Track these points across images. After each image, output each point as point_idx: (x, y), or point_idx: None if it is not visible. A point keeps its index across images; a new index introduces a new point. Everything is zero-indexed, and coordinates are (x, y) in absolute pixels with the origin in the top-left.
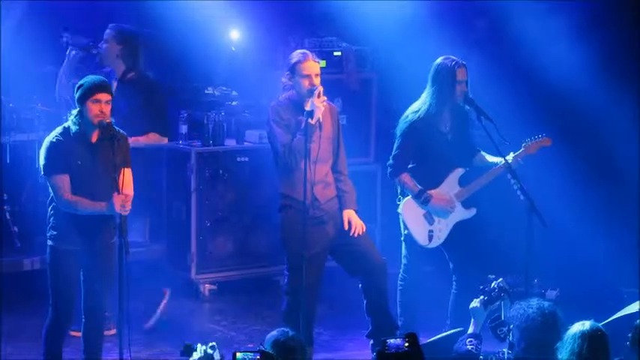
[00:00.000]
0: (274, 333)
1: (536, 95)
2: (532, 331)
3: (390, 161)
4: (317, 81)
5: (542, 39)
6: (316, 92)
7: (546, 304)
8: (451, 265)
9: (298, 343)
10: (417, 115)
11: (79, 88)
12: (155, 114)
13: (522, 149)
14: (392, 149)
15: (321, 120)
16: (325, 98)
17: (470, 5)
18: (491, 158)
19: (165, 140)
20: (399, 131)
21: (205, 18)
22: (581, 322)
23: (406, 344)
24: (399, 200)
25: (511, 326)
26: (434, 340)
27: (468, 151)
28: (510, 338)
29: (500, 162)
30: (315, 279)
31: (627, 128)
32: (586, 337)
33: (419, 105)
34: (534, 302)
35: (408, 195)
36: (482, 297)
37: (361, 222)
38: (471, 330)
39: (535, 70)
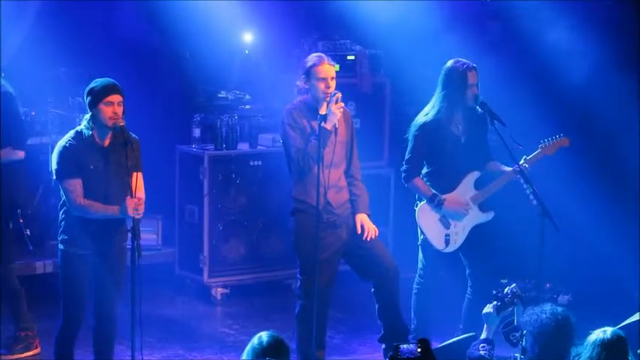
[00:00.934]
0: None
1: (548, 98)
2: (545, 336)
3: (404, 166)
4: (333, 84)
5: (555, 40)
6: (334, 98)
7: (559, 309)
8: (468, 271)
9: (270, 347)
10: (428, 119)
11: (89, 92)
12: (8, 126)
13: (539, 150)
14: (404, 154)
15: (336, 125)
16: (343, 105)
17: (483, 7)
18: (504, 168)
19: (21, 154)
20: (410, 135)
21: (218, 21)
22: (602, 329)
23: (419, 349)
24: (417, 205)
25: (524, 331)
26: (446, 345)
27: (483, 155)
28: (523, 343)
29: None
30: (327, 283)
31: None
32: (606, 345)
33: (429, 108)
34: (547, 307)
35: (423, 200)
36: (495, 302)
37: (374, 226)
38: (483, 335)
39: (548, 71)
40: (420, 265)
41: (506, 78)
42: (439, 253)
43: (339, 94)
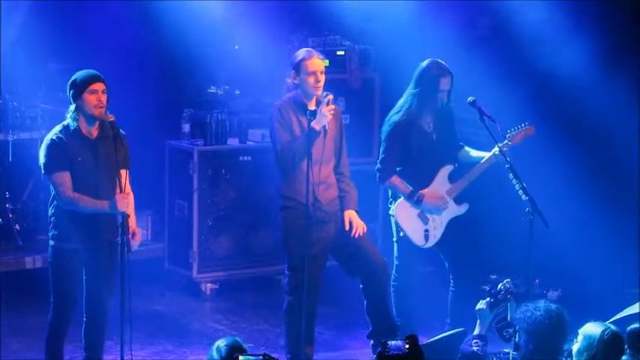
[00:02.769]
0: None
1: (539, 93)
2: (539, 333)
3: (378, 165)
4: (322, 78)
5: (546, 36)
6: (325, 100)
7: (554, 306)
8: (446, 264)
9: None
10: (400, 117)
11: (71, 84)
12: None
13: (506, 140)
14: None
15: (326, 127)
16: (334, 107)
17: (472, 3)
18: (475, 153)
19: None
20: (383, 134)
21: (209, 16)
22: (598, 323)
23: (406, 346)
24: (391, 203)
25: (517, 327)
26: (434, 341)
27: (453, 148)
28: (516, 339)
29: (484, 157)
30: (315, 278)
31: (632, 127)
32: (603, 340)
33: (401, 105)
34: (542, 304)
35: (399, 197)
36: (488, 299)
37: (362, 222)
38: (476, 331)
39: (539, 67)
40: (395, 263)
41: (496, 74)
42: (415, 248)
43: (331, 96)
